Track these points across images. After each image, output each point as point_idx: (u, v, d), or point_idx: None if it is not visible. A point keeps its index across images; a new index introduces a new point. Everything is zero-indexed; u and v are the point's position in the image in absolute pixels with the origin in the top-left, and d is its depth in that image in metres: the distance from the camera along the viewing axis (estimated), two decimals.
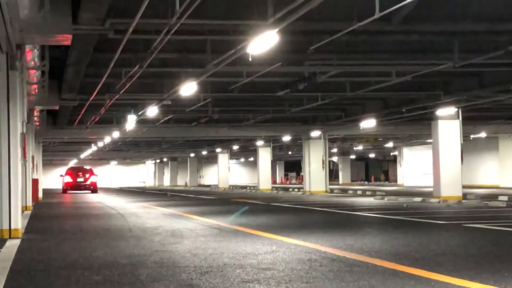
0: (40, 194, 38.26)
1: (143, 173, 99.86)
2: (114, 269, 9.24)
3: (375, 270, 8.89)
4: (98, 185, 54.18)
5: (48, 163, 78.67)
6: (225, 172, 61.85)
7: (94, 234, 15.05)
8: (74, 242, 13.20)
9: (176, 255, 10.61)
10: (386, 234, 14.16)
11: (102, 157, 78.61)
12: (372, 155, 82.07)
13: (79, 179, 51.46)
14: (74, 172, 52.51)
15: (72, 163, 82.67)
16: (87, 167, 55.14)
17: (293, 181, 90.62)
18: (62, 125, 34.89)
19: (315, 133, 39.07)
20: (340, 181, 76.92)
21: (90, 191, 50.95)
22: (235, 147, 57.21)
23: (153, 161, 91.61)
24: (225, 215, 20.72)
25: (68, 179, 51.84)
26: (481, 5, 14.30)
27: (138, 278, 8.49)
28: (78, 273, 9.03)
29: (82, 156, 71.38)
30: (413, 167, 64.02)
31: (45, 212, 24.68)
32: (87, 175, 51.88)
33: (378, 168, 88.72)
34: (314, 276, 8.45)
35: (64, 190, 51.75)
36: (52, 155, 67.30)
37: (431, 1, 14.09)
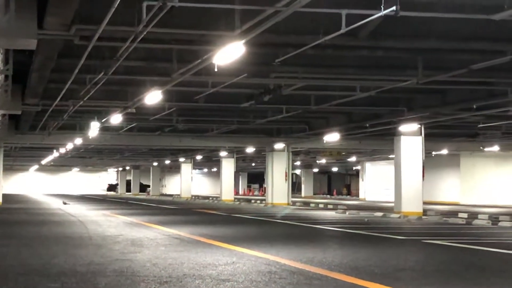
0: (0, 200, 37.85)
1: (105, 181, 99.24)
2: (73, 277, 9.16)
3: (335, 283, 8.92)
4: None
5: (9, 168, 78.00)
6: (187, 182, 61.69)
7: (53, 241, 14.91)
8: (33, 249, 13.07)
9: (135, 264, 10.56)
10: (347, 248, 14.22)
11: (64, 163, 77.97)
12: (335, 169, 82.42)
13: None
14: None
15: (33, 169, 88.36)
16: None
17: (256, 192, 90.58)
18: (24, 130, 34.50)
19: (279, 145, 39.14)
20: (303, 194, 77.01)
21: None
22: (199, 157, 57.09)
23: (116, 169, 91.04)
24: (186, 225, 20.65)
25: None
26: (445, 24, 14.43)
27: (97, 286, 8.44)
28: (36, 280, 8.95)
29: (44, 162, 70.80)
30: (375, 182, 64.41)
31: (4, 218, 24.41)
32: None
33: (341, 182, 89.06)
34: None
35: None
36: (13, 160, 66.69)
37: (397, 18, 14.15)
